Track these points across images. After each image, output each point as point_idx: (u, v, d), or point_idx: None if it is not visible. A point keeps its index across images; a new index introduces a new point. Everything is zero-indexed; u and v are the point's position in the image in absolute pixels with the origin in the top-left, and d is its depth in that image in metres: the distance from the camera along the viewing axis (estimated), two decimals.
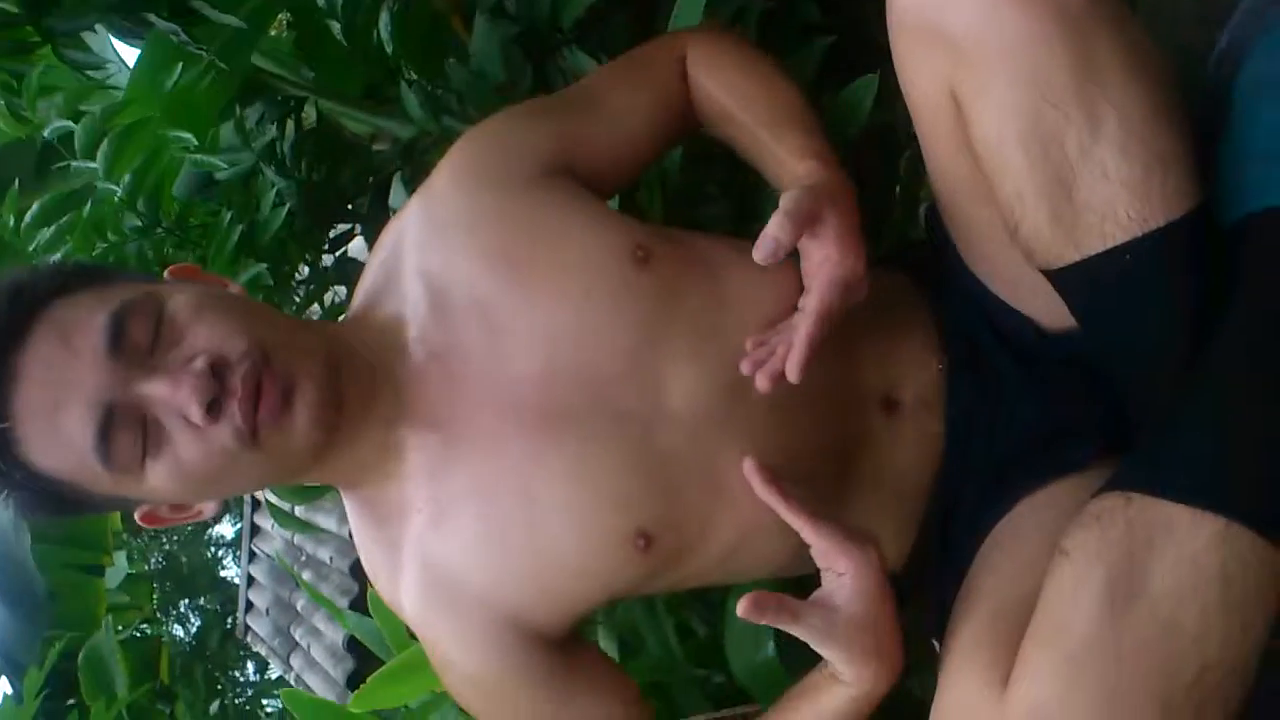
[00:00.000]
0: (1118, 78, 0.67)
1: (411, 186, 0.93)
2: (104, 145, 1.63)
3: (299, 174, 1.72)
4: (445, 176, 0.87)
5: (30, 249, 1.77)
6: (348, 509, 0.89)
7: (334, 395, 0.78)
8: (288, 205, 1.69)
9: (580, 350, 0.80)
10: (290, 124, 1.76)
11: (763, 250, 0.71)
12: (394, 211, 0.91)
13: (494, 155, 0.87)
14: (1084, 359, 0.83)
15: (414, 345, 0.83)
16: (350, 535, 0.91)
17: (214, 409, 0.73)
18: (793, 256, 0.78)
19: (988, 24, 0.68)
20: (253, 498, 4.99)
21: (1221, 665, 0.60)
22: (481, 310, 0.82)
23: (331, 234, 1.89)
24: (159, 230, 1.75)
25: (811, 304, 0.74)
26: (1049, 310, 0.83)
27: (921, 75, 0.76)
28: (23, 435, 0.73)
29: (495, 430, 0.81)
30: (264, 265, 1.65)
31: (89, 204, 1.74)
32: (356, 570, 3.67)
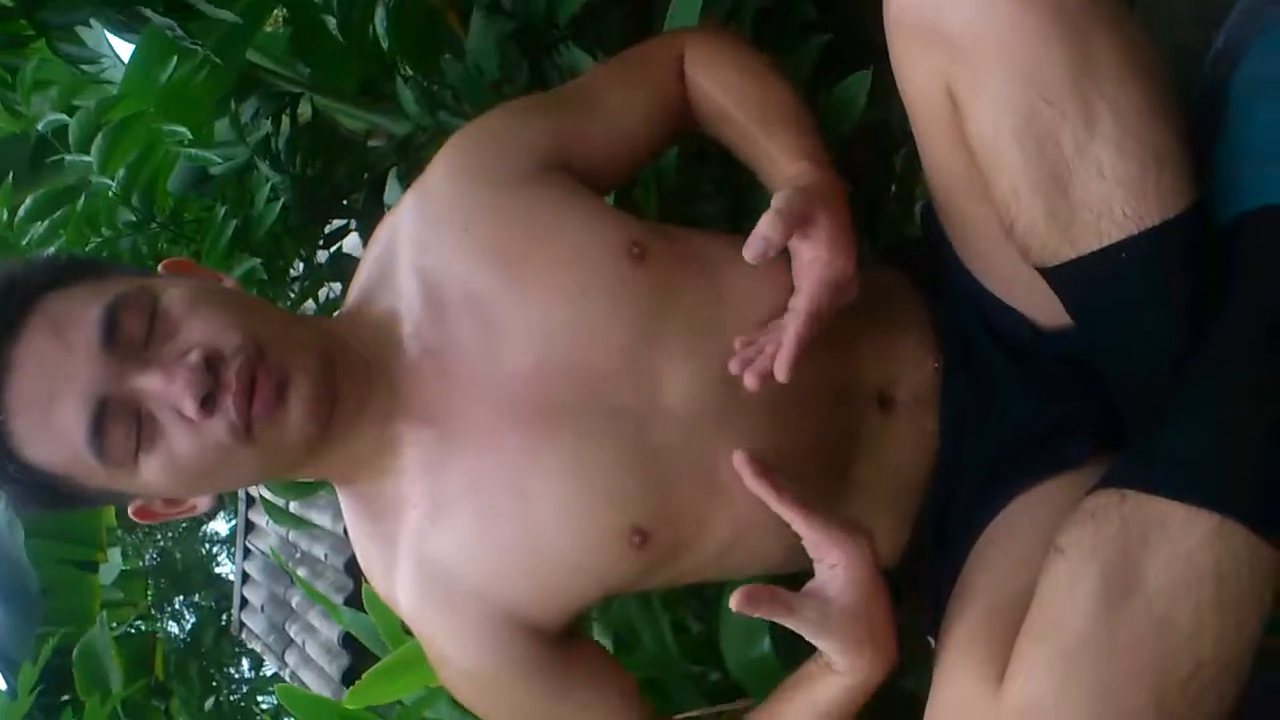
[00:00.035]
0: (1114, 75, 0.67)
1: (407, 182, 0.93)
2: (98, 139, 1.62)
3: (294, 169, 1.72)
4: (440, 172, 0.87)
5: (24, 243, 1.77)
6: (342, 504, 0.89)
7: (328, 390, 0.78)
8: (282, 200, 1.69)
9: (576, 347, 0.80)
10: (285, 119, 1.75)
11: (753, 249, 0.71)
12: (389, 207, 0.91)
13: (489, 151, 0.86)
14: (1079, 356, 0.83)
15: (409, 341, 0.83)
16: (345, 532, 0.91)
17: (208, 403, 0.73)
18: (788, 254, 0.79)
19: (985, 21, 0.68)
20: (247, 494, 4.98)
21: (1216, 662, 0.61)
22: (476, 306, 0.82)
23: (326, 230, 1.89)
24: (153, 225, 1.74)
25: (801, 303, 0.74)
26: (1044, 308, 0.83)
27: (918, 72, 0.76)
28: (16, 428, 0.73)
29: (490, 426, 0.81)
30: (258, 260, 1.64)
31: (83, 198, 1.73)
32: (351, 567, 3.67)
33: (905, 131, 0.84)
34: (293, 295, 1.86)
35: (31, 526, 2.86)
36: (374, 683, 1.12)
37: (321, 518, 3.70)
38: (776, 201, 0.72)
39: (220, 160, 1.68)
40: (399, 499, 0.84)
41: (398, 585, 0.84)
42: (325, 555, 4.01)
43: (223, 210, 1.68)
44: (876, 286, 0.91)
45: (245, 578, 5.44)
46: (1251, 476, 0.63)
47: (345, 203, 1.82)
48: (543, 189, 0.85)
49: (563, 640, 0.85)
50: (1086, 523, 0.66)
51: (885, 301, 0.91)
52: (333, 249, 1.92)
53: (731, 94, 0.89)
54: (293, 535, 4.46)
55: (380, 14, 1.50)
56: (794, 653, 0.80)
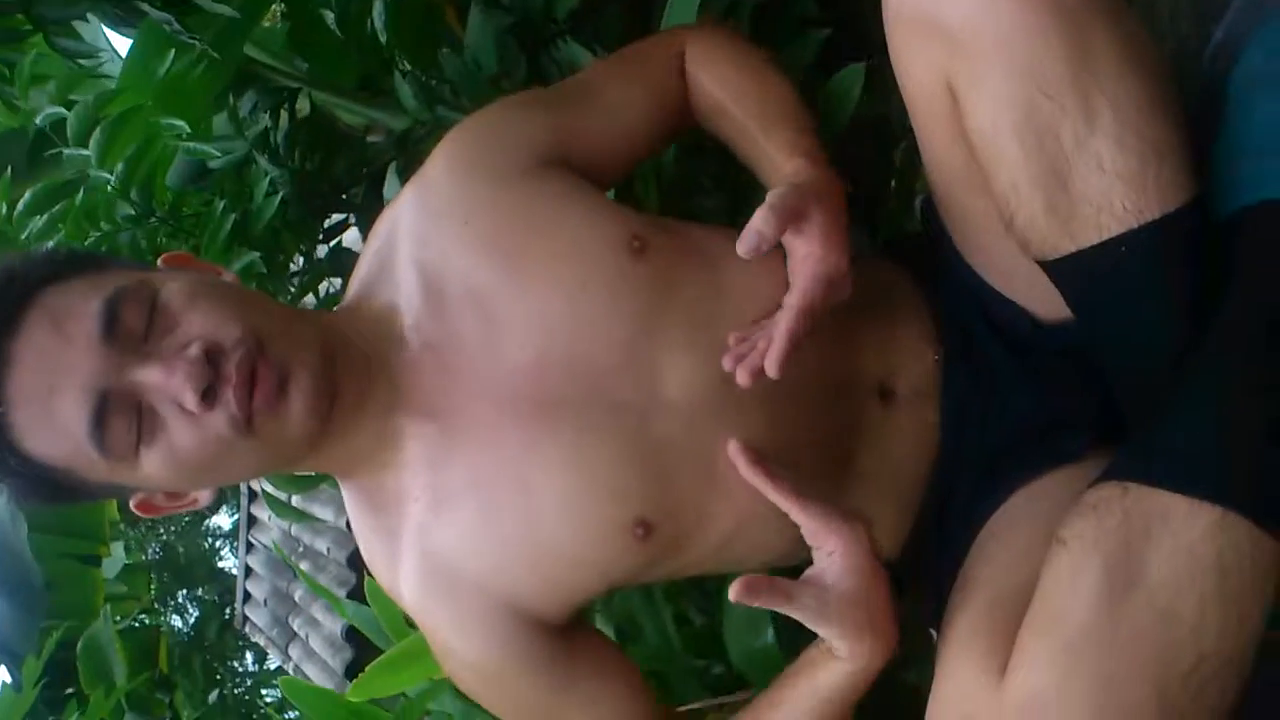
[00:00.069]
0: (1113, 70, 0.67)
1: (406, 177, 0.92)
2: (96, 133, 1.62)
3: (292, 164, 1.72)
4: (439, 165, 0.87)
5: (23, 237, 1.76)
6: (345, 498, 0.89)
7: (329, 384, 0.78)
8: (281, 194, 1.68)
9: (576, 340, 0.80)
10: (284, 114, 1.75)
11: (746, 243, 0.71)
12: (388, 202, 0.91)
13: (488, 145, 0.86)
14: (1079, 350, 0.83)
15: (409, 334, 0.83)
16: (347, 526, 0.91)
17: (209, 396, 0.73)
18: None
19: (984, 15, 0.68)
20: (249, 489, 4.99)
21: (1218, 655, 0.61)
22: (476, 300, 0.82)
23: (326, 224, 1.89)
24: (152, 219, 1.74)
25: (793, 299, 0.74)
26: (1044, 301, 0.83)
27: (917, 66, 0.76)
28: (16, 421, 0.73)
29: (492, 420, 0.81)
30: (257, 254, 1.64)
31: (81, 192, 1.73)
32: (354, 561, 3.67)
33: (905, 126, 0.84)
34: (292, 290, 1.86)
35: (34, 521, 2.86)
36: (377, 675, 1.13)
37: (324, 511, 3.71)
38: (770, 197, 0.72)
39: (219, 154, 1.67)
40: (401, 492, 0.84)
41: (401, 578, 0.85)
42: (328, 549, 4.01)
43: (221, 204, 1.67)
44: (876, 280, 0.91)
45: (248, 572, 5.45)
46: (1253, 469, 0.63)
47: (344, 197, 1.82)
48: (542, 183, 0.84)
49: (567, 632, 0.85)
50: (1088, 515, 0.66)
51: (885, 295, 0.91)
52: (332, 244, 1.92)
53: (730, 90, 0.88)
54: (295, 529, 4.47)
55: (378, 9, 1.50)
56: (797, 644, 0.81)
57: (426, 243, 0.84)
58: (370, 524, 0.87)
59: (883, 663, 0.75)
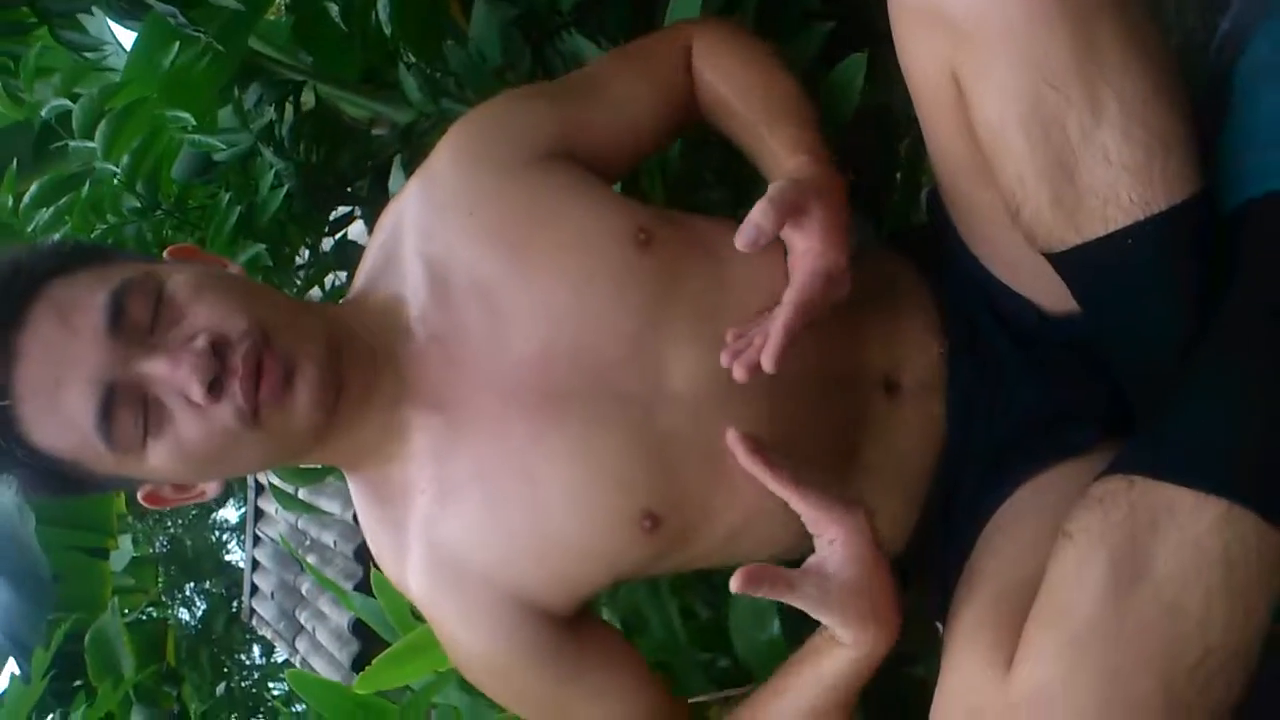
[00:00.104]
0: (1119, 61, 0.67)
1: (411, 170, 0.92)
2: (102, 126, 1.62)
3: (298, 156, 1.72)
4: (444, 157, 0.87)
5: (29, 230, 1.77)
6: (351, 490, 0.90)
7: (335, 377, 0.78)
8: (286, 187, 1.69)
9: (582, 332, 0.80)
10: (289, 107, 1.75)
11: (744, 236, 0.70)
12: (394, 194, 0.91)
13: (494, 136, 0.86)
14: (1085, 342, 0.83)
15: (415, 326, 0.83)
16: (354, 519, 0.91)
17: (215, 388, 0.73)
18: None
19: (989, 6, 0.67)
20: (256, 481, 5.00)
21: (1224, 649, 0.61)
22: (481, 292, 0.82)
23: (331, 217, 1.89)
24: (158, 211, 1.74)
25: (791, 295, 0.74)
26: (1050, 293, 0.83)
27: (922, 58, 0.76)
28: (24, 414, 0.73)
29: (498, 412, 0.81)
30: (263, 246, 1.64)
31: (87, 185, 1.73)
32: (360, 554, 3.68)
33: (910, 118, 0.84)
34: (298, 283, 1.86)
35: (42, 513, 2.87)
36: (384, 668, 1.13)
37: (331, 504, 3.72)
38: (770, 190, 0.72)
39: (224, 147, 1.68)
40: (407, 484, 0.84)
41: (408, 570, 0.85)
42: (335, 542, 4.02)
43: (227, 197, 1.68)
44: (881, 272, 0.91)
45: (255, 565, 5.47)
46: (1259, 462, 0.63)
47: (349, 190, 1.82)
48: (547, 175, 0.84)
49: (574, 624, 0.85)
50: (1095, 508, 0.66)
51: (890, 287, 0.90)
52: (337, 237, 1.92)
53: (734, 86, 0.88)
54: (302, 522, 4.48)
55: (383, 1, 1.50)
56: (802, 637, 0.80)
57: (432, 235, 0.84)
58: (377, 516, 0.87)
59: (886, 650, 0.75)
